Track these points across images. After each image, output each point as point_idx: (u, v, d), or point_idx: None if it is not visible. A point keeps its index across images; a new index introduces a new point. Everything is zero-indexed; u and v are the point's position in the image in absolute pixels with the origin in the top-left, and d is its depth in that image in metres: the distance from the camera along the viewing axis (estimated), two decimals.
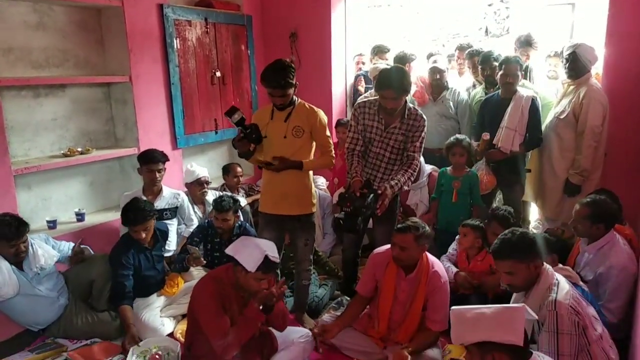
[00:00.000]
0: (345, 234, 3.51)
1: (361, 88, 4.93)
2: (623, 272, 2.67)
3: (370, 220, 3.34)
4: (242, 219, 4.01)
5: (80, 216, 3.63)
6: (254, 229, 4.04)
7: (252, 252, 2.41)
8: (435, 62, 4.40)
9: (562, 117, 3.63)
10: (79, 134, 3.77)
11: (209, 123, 4.55)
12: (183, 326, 3.01)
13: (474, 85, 4.50)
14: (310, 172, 3.12)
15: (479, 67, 4.20)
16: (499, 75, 3.79)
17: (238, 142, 2.91)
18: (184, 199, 3.80)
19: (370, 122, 3.13)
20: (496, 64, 3.96)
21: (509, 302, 2.25)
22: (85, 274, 3.14)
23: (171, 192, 3.72)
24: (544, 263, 2.21)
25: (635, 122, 3.76)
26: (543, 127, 3.81)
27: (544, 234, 3.38)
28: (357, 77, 5.09)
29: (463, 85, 4.61)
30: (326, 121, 3.04)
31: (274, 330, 2.71)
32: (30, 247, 2.88)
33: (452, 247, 3.39)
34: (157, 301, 3.25)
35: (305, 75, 4.55)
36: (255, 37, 4.99)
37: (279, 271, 3.30)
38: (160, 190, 3.62)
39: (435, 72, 4.31)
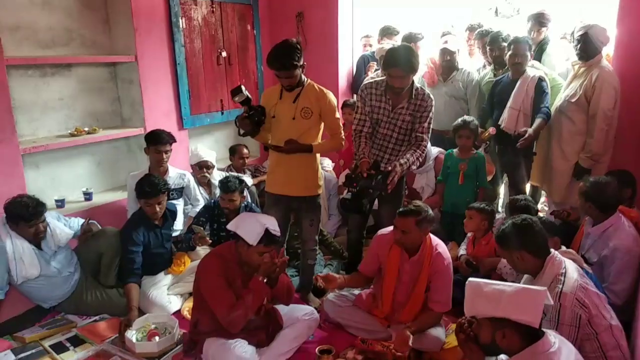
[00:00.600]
0: (350, 215, 3.52)
1: (371, 73, 4.88)
2: (628, 254, 2.66)
3: (376, 202, 3.35)
4: (248, 199, 4.03)
5: (88, 195, 3.66)
6: (260, 209, 4.06)
7: (252, 226, 2.44)
8: (446, 42, 4.35)
9: (573, 100, 3.58)
10: (85, 114, 3.78)
11: (215, 104, 4.54)
12: (190, 304, 3.06)
13: (484, 66, 4.45)
14: (318, 154, 3.11)
15: (487, 47, 4.15)
16: (507, 56, 3.74)
17: (241, 121, 2.91)
18: (190, 179, 3.82)
19: (378, 103, 3.11)
20: (505, 44, 3.91)
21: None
22: (94, 247, 3.18)
23: (177, 172, 3.74)
24: (551, 250, 2.19)
25: None
26: (552, 109, 3.76)
27: (546, 218, 3.38)
28: (367, 61, 5.02)
29: (474, 66, 4.56)
30: (336, 103, 3.02)
31: (279, 308, 2.75)
32: (47, 227, 2.92)
33: (462, 248, 3.37)
34: (164, 279, 3.29)
35: (312, 56, 4.51)
36: (262, 17, 4.95)
37: (285, 251, 3.32)
38: (166, 171, 3.64)
39: (446, 53, 4.26)
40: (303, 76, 2.95)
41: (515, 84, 3.72)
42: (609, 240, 2.74)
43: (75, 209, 3.52)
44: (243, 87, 2.83)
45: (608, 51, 3.85)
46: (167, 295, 3.22)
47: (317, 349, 2.66)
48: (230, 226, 2.52)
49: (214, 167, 4.02)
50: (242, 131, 2.98)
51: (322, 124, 3.05)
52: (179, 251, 3.44)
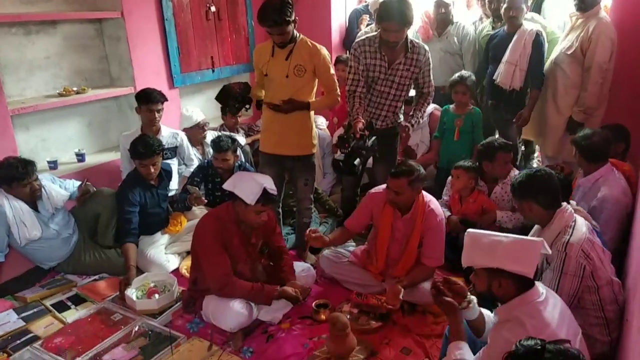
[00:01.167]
0: (344, 175, 3.53)
1: (364, 27, 4.77)
2: (616, 204, 2.68)
3: (370, 159, 3.35)
4: (242, 159, 4.02)
5: (80, 156, 3.63)
6: (254, 168, 4.06)
7: (250, 185, 2.44)
8: None
9: (569, 52, 3.53)
10: (73, 73, 3.69)
11: (206, 61, 4.44)
12: (188, 262, 3.10)
13: (481, 19, 4.36)
14: (312, 112, 3.08)
15: (486, 0, 4.05)
16: (503, 9, 3.66)
17: (231, 110, 3.08)
18: (183, 138, 3.78)
19: (373, 60, 3.04)
20: None
21: None
22: (91, 208, 3.19)
23: (170, 131, 3.70)
24: (563, 204, 2.21)
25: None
26: (548, 62, 3.72)
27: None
28: (359, 14, 4.89)
29: (470, 19, 4.46)
30: (330, 59, 2.96)
31: None
32: (43, 189, 2.92)
33: (445, 193, 3.41)
34: (161, 239, 3.33)
35: (304, 10, 4.39)
36: None
37: (280, 210, 3.35)
38: (159, 130, 3.59)
39: (440, 5, 4.16)
40: (295, 32, 2.88)
41: (511, 38, 3.66)
42: (598, 191, 2.76)
43: (68, 170, 3.50)
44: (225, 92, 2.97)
45: (606, 2, 3.78)
46: (165, 254, 3.26)
47: (313, 304, 2.74)
48: (226, 185, 2.52)
49: (208, 123, 3.98)
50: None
51: (316, 81, 3.00)
52: (175, 211, 3.46)
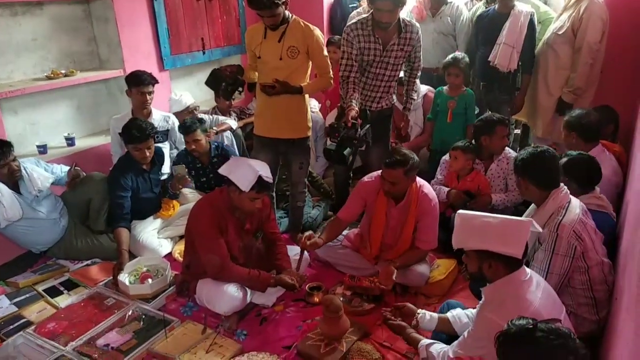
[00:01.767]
0: None
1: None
2: (607, 184, 2.70)
3: None
4: (233, 142, 4.00)
5: (70, 140, 3.59)
6: (248, 152, 4.04)
7: (245, 172, 2.43)
8: None
9: (560, 32, 3.52)
10: (61, 55, 3.63)
11: (196, 42, 4.37)
12: (181, 247, 3.10)
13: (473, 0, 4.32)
14: (306, 95, 3.05)
15: None
16: None
17: (224, 94, 3.07)
18: (175, 121, 3.74)
19: (367, 44, 3.00)
20: None
21: None
22: (82, 193, 3.17)
23: (161, 114, 3.67)
24: (561, 185, 2.22)
25: (634, 38, 3.66)
26: (540, 43, 3.71)
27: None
28: None
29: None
30: (323, 40, 2.92)
31: None
32: (24, 171, 2.88)
33: (439, 172, 3.40)
34: (154, 223, 3.31)
35: None
36: None
37: (273, 194, 3.33)
38: (150, 113, 3.55)
39: None
40: (287, 12, 2.83)
41: (502, 18, 3.63)
42: None
43: (58, 154, 3.46)
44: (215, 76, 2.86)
45: None
46: (158, 238, 3.25)
47: (307, 286, 2.75)
48: (222, 170, 2.51)
49: (198, 107, 3.94)
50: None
51: (310, 63, 2.97)
52: (165, 198, 3.43)
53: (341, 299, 2.55)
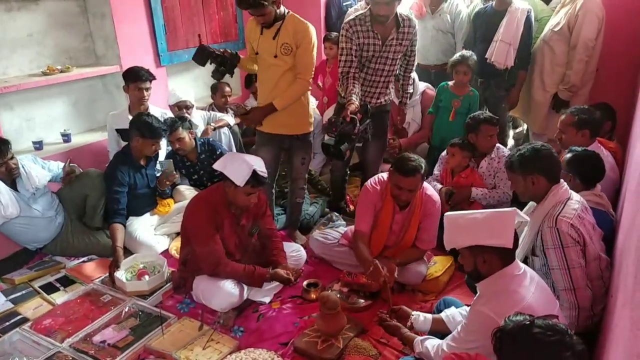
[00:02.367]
0: None
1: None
2: (605, 181, 2.68)
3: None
4: (231, 139, 3.99)
5: (66, 137, 3.57)
6: (245, 149, 4.03)
7: (240, 167, 2.42)
8: None
9: (556, 29, 3.52)
10: (57, 51, 3.61)
11: (193, 39, 4.35)
12: (177, 243, 3.09)
13: None
14: (308, 91, 3.02)
15: None
16: None
17: (213, 75, 2.97)
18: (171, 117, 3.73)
19: (366, 40, 3.00)
20: None
21: None
22: (78, 189, 3.16)
23: (159, 111, 3.65)
24: (561, 180, 2.21)
25: (631, 36, 3.67)
26: (538, 40, 3.71)
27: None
28: None
29: None
30: (314, 41, 2.84)
31: None
32: (22, 168, 2.87)
33: (437, 168, 3.41)
34: (150, 220, 3.31)
35: None
36: None
37: (273, 190, 3.32)
38: (147, 110, 3.53)
39: None
40: (283, 7, 2.81)
41: (500, 16, 3.64)
42: None
43: (54, 150, 3.44)
44: (201, 50, 2.83)
45: None
46: (154, 235, 3.25)
47: (304, 283, 2.75)
48: (217, 165, 2.50)
49: (193, 106, 3.93)
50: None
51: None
52: (158, 197, 3.40)
53: (338, 295, 2.55)
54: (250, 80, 4.54)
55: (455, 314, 2.12)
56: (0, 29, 3.25)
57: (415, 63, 3.29)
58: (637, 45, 3.78)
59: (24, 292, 2.77)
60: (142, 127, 3.08)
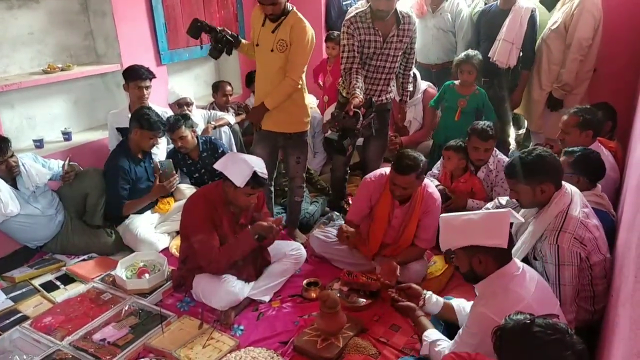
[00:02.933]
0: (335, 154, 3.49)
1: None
2: (605, 180, 2.67)
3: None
4: (231, 138, 3.98)
5: (67, 135, 3.57)
6: (245, 148, 4.03)
7: (240, 167, 2.42)
8: None
9: (553, 27, 3.53)
10: (58, 49, 3.61)
11: None
12: (177, 242, 3.09)
13: None
14: (304, 90, 3.02)
15: None
16: None
17: (210, 53, 2.97)
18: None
19: (367, 36, 3.00)
20: None
21: None
22: (79, 188, 3.16)
23: (160, 110, 3.63)
24: (563, 183, 2.17)
25: (629, 37, 3.66)
26: (538, 39, 3.71)
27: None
28: None
29: None
30: (308, 40, 2.81)
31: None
32: (22, 167, 2.87)
33: (437, 167, 3.39)
34: (151, 218, 3.31)
35: None
36: None
37: (272, 188, 3.33)
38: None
39: None
40: (289, 5, 2.80)
41: (504, 15, 3.63)
42: None
43: (54, 149, 3.44)
44: (195, 24, 2.82)
45: None
46: (155, 233, 3.24)
47: (304, 282, 2.75)
48: (217, 166, 2.50)
49: (192, 103, 3.92)
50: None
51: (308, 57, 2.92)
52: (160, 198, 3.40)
53: (338, 294, 2.54)
54: (251, 79, 4.54)
55: (466, 306, 2.12)
56: (1, 27, 3.24)
57: (415, 61, 3.29)
58: (637, 45, 3.77)
59: (24, 290, 2.77)
60: (141, 118, 3.10)
